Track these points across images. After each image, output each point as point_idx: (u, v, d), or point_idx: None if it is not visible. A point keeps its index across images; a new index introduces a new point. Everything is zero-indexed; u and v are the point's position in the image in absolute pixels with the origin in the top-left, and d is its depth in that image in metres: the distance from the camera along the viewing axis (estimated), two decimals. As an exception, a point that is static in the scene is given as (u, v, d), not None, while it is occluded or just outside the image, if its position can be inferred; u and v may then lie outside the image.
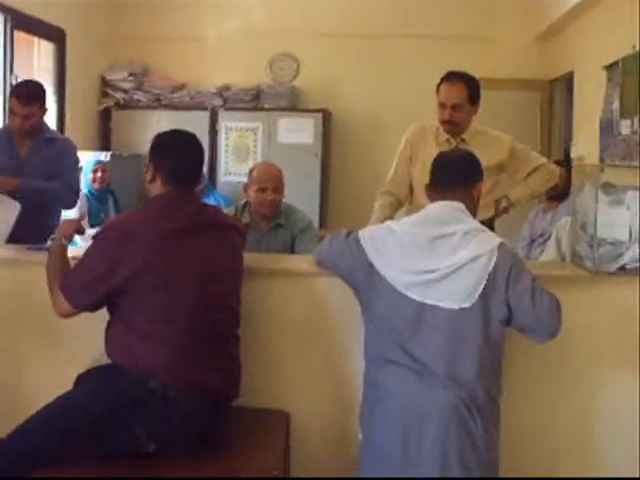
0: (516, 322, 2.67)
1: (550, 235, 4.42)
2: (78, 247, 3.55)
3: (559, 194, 5.50)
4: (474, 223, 2.74)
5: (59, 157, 4.47)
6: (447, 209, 2.74)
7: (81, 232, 3.33)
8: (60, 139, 4.73)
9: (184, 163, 2.98)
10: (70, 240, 3.23)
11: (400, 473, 2.65)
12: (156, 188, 2.96)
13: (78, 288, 2.86)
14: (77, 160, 4.71)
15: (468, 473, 2.61)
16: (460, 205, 2.75)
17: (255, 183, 4.17)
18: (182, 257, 2.84)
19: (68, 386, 2.96)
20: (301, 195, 5.61)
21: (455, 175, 2.85)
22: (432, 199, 2.85)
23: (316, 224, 6.42)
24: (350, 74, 7.82)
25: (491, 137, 4.15)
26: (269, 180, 4.16)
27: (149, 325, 2.80)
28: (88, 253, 2.89)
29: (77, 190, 4.62)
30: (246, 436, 2.93)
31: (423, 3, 7.54)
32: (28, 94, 4.37)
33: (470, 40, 7.46)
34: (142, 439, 2.73)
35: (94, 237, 2.92)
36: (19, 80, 5.05)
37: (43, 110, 4.46)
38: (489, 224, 3.85)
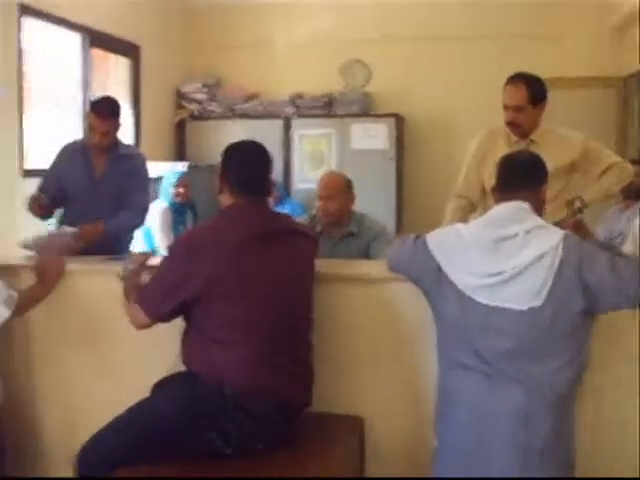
0: (604, 305, 2.59)
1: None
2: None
3: (636, 192, 5.40)
4: (535, 221, 2.68)
5: (129, 175, 4.52)
6: (510, 209, 2.71)
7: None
8: (133, 156, 4.75)
9: (249, 173, 2.99)
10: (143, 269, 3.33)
11: (475, 474, 2.64)
12: (225, 199, 2.99)
13: (154, 299, 2.91)
14: (146, 177, 4.76)
15: (543, 473, 2.58)
16: (523, 204, 2.70)
17: (318, 192, 4.32)
18: (255, 265, 2.87)
19: (143, 393, 3.04)
20: (376, 200, 5.64)
21: (519, 177, 2.81)
22: (497, 201, 2.83)
23: (392, 228, 6.43)
24: (421, 78, 7.80)
25: (562, 137, 4.08)
26: (329, 189, 4.29)
27: (222, 333, 2.84)
28: (163, 265, 2.97)
29: (146, 208, 4.71)
30: (320, 441, 2.95)
31: (492, 3, 7.44)
32: (107, 110, 4.44)
33: (541, 38, 7.33)
34: (217, 444, 2.79)
35: (169, 248, 3.01)
36: (97, 96, 5.14)
37: (118, 124, 4.54)
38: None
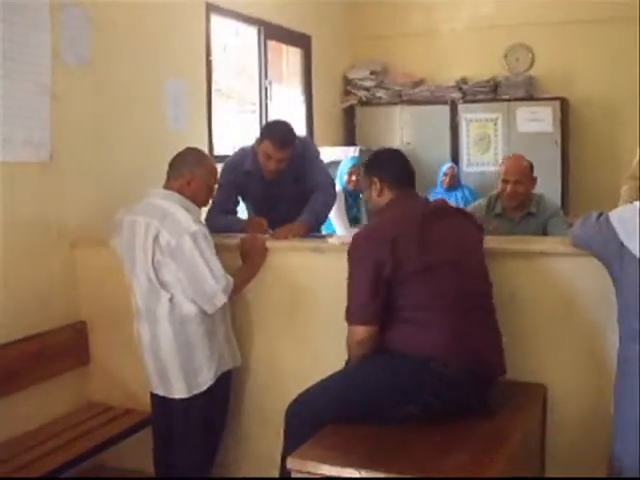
0: None
1: None
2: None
3: None
4: None
5: (303, 162, 4.46)
6: None
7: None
8: (303, 149, 4.52)
9: (404, 170, 3.35)
10: None
11: None
12: (384, 199, 3.27)
13: (363, 306, 3.05)
14: (317, 157, 4.65)
15: None
16: None
17: (504, 175, 4.48)
18: (435, 238, 3.09)
19: (332, 360, 3.32)
20: (542, 183, 5.66)
21: None
22: None
23: (562, 212, 6.48)
24: (585, 61, 7.76)
25: None
26: (511, 173, 4.46)
27: (419, 312, 3.03)
28: (351, 272, 3.11)
29: (332, 183, 4.65)
30: (507, 406, 3.11)
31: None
32: (283, 140, 4.27)
33: None
34: (417, 414, 2.98)
35: (349, 254, 3.15)
36: (271, 121, 5.03)
37: (293, 152, 4.37)
38: None
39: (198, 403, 3.61)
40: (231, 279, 3.54)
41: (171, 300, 3.54)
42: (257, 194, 4.55)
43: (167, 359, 3.58)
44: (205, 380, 3.60)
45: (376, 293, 3.03)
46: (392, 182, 3.28)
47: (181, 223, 3.47)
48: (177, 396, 3.61)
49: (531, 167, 4.52)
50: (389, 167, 3.34)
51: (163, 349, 3.58)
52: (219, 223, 4.20)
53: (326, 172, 4.66)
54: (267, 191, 4.49)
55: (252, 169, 4.42)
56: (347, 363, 3.28)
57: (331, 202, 4.57)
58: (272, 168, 4.30)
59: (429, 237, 3.08)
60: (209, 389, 3.62)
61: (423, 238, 3.06)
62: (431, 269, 3.04)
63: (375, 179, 3.30)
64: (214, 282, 3.46)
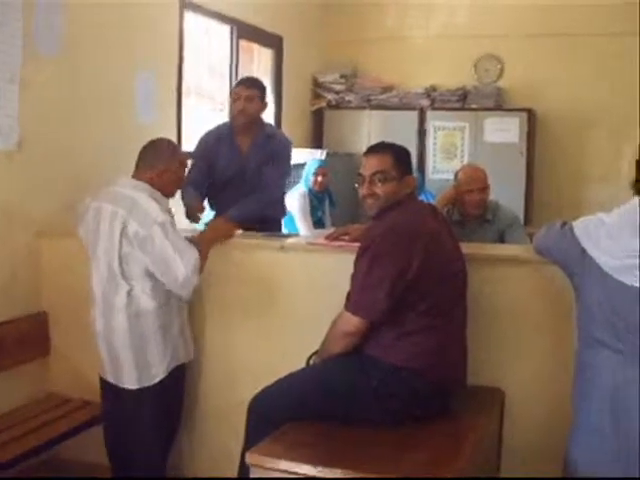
0: None
1: None
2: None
3: None
4: None
5: (273, 156, 4.74)
6: None
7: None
8: (278, 136, 4.99)
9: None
10: None
11: (611, 454, 2.69)
12: (403, 188, 3.22)
13: (371, 301, 2.99)
14: (288, 157, 4.94)
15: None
16: None
17: (462, 185, 4.50)
18: (450, 245, 3.17)
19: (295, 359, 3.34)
20: (506, 193, 5.75)
21: None
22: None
23: (521, 222, 6.54)
24: (554, 73, 7.83)
25: None
26: (476, 181, 4.50)
27: (406, 319, 3.02)
28: (371, 265, 3.00)
29: (279, 184, 4.89)
30: (466, 409, 3.16)
31: (627, 2, 7.26)
32: (250, 79, 4.93)
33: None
34: (379, 419, 3.00)
35: (364, 251, 3.07)
36: None
37: (263, 102, 4.81)
38: None
39: (149, 395, 3.61)
40: (197, 255, 3.51)
41: (129, 293, 3.54)
42: (225, 164, 4.75)
43: (120, 350, 3.59)
44: (157, 373, 3.60)
45: (393, 293, 2.96)
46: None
47: (150, 214, 3.47)
48: (127, 386, 3.62)
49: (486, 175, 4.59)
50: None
51: (117, 340, 3.58)
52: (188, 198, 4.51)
53: (281, 174, 4.88)
54: (234, 161, 4.73)
55: (223, 133, 4.82)
56: (315, 353, 3.28)
57: (264, 204, 4.73)
58: (240, 107, 4.68)
59: (446, 246, 3.14)
60: (161, 382, 3.62)
61: (435, 248, 3.07)
62: (440, 280, 3.05)
63: (406, 168, 3.26)
64: (184, 267, 3.45)
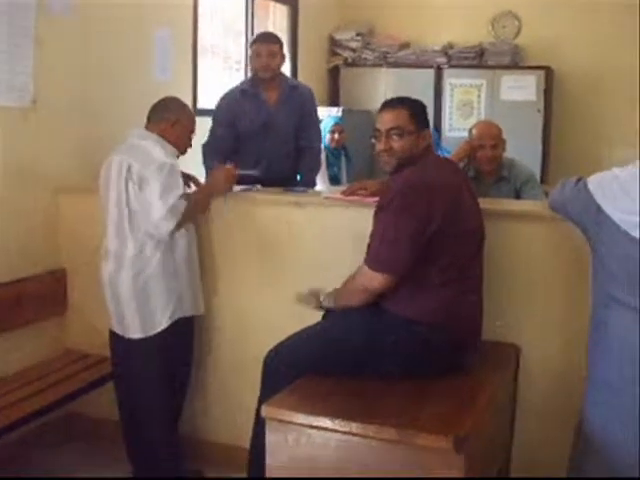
0: None
1: None
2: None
3: None
4: None
5: (303, 107, 4.86)
6: None
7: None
8: (302, 86, 5.10)
9: None
10: None
11: (626, 410, 2.69)
12: (422, 141, 3.19)
13: (395, 258, 2.95)
14: (317, 111, 5.09)
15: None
16: None
17: (475, 140, 4.47)
18: (469, 199, 3.15)
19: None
20: (523, 151, 5.70)
21: None
22: None
23: (537, 179, 6.52)
24: (571, 32, 7.73)
25: None
26: (488, 137, 4.46)
27: (424, 274, 3.01)
28: (388, 222, 2.98)
29: (320, 148, 5.05)
30: (481, 365, 3.16)
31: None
32: (268, 35, 4.96)
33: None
34: (394, 373, 3.02)
35: (384, 206, 3.02)
36: None
37: (283, 55, 4.85)
38: None
39: (155, 345, 3.64)
40: (178, 198, 3.51)
41: (136, 241, 3.58)
42: (251, 119, 4.76)
43: (124, 298, 3.62)
44: (160, 321, 3.63)
45: (414, 248, 2.93)
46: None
47: (151, 155, 3.54)
48: (132, 336, 3.65)
49: (501, 131, 4.54)
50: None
51: (121, 288, 3.62)
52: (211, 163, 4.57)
53: (320, 133, 5.09)
54: (261, 115, 4.76)
55: (247, 90, 4.82)
56: (332, 303, 3.27)
57: (317, 169, 5.10)
58: (264, 63, 4.72)
59: (466, 201, 3.12)
60: (167, 332, 3.64)
61: (464, 195, 3.10)
62: (460, 235, 3.04)
63: (424, 121, 3.24)
64: (161, 206, 3.46)
